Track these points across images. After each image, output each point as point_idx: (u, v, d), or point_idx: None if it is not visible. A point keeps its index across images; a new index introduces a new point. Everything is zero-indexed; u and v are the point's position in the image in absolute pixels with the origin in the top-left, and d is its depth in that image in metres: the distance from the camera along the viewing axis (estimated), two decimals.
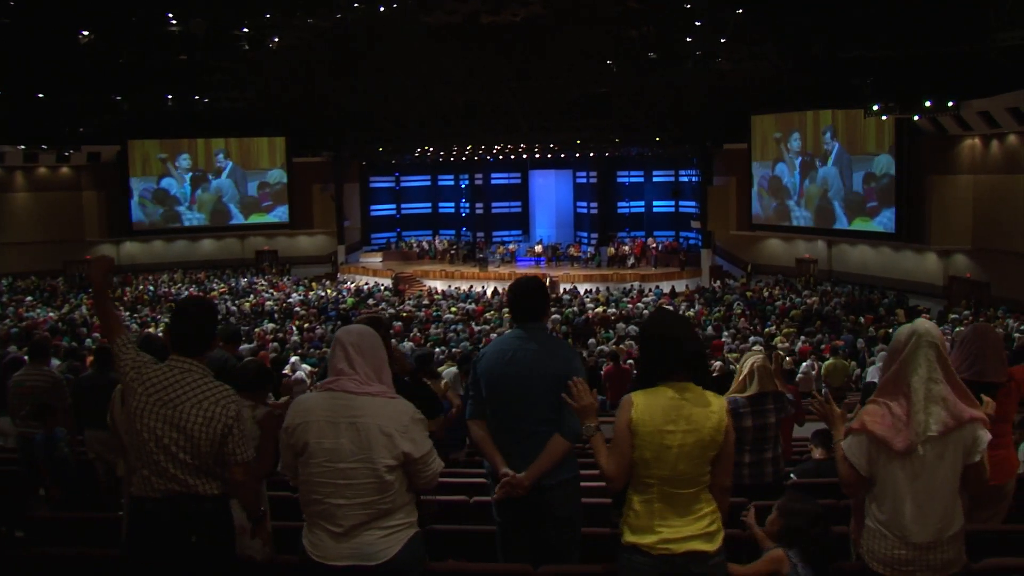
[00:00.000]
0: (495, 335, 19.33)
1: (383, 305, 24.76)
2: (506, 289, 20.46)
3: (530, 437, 3.41)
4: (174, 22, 19.98)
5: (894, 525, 2.76)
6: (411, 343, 18.75)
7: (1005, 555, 3.10)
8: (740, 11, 19.33)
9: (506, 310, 23.79)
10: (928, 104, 20.01)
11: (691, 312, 21.99)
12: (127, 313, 23.29)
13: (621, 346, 18.01)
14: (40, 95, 22.66)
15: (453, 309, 22.67)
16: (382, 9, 22.14)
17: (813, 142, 25.88)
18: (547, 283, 27.54)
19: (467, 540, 3.99)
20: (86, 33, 19.56)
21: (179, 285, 28.53)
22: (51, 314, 21.66)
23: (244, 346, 17.32)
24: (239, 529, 3.52)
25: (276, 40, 22.35)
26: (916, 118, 21.68)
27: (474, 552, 3.88)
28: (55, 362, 11.42)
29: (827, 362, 13.10)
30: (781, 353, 8.94)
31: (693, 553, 2.75)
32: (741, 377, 5.03)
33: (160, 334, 13.44)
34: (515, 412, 3.43)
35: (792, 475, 5.38)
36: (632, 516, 2.83)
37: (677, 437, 2.76)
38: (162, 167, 30.59)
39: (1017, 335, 15.30)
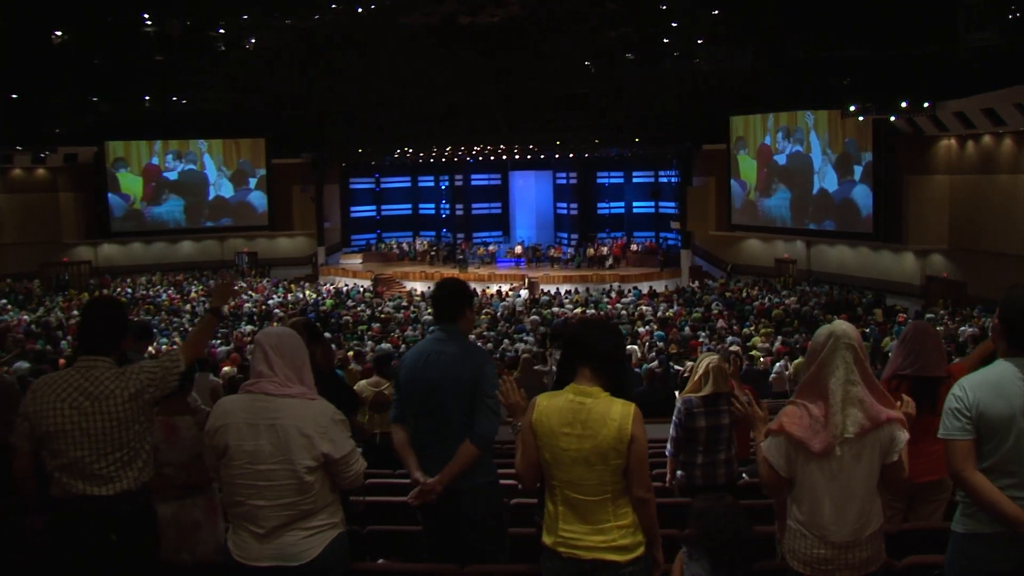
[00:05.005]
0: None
1: (362, 307, 24.70)
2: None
3: (447, 441, 3.43)
4: (149, 23, 19.84)
5: (813, 525, 2.79)
6: (388, 344, 18.71)
7: (927, 552, 3.11)
8: (716, 12, 19.42)
9: (485, 311, 23.89)
10: (904, 105, 20.15)
11: (671, 312, 22.04)
12: None
13: None
14: (15, 96, 22.43)
15: (431, 310, 22.55)
16: (360, 10, 22.10)
17: None
18: (527, 284, 27.64)
19: (405, 540, 3.97)
20: (59, 33, 19.39)
21: (157, 287, 28.33)
22: (25, 316, 21.46)
23: (222, 348, 17.26)
24: (192, 524, 3.51)
25: (253, 41, 22.26)
26: (892, 118, 21.82)
27: (414, 553, 3.87)
28: (23, 363, 11.35)
29: (796, 360, 13.20)
30: (738, 352, 8.99)
31: (602, 562, 2.74)
32: (696, 378, 5.06)
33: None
34: (433, 416, 3.46)
35: (744, 475, 5.40)
36: (546, 516, 2.85)
37: (572, 441, 2.74)
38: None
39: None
